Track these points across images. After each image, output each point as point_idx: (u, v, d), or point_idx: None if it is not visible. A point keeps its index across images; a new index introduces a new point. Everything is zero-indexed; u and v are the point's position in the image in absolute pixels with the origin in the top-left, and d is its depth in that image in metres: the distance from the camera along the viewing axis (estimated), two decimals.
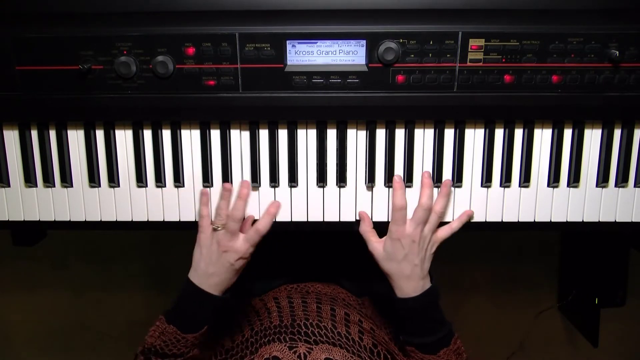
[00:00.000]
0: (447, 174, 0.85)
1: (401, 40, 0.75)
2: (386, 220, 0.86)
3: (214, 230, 0.81)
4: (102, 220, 0.87)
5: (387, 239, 0.82)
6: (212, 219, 0.83)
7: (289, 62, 0.77)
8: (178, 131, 0.84)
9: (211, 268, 0.80)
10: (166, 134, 0.85)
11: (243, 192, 0.82)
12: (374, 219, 0.87)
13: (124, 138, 0.85)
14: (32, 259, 1.86)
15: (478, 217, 0.86)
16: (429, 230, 0.82)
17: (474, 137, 0.84)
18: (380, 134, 0.84)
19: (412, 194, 0.85)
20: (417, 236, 0.80)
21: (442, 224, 0.85)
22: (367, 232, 0.85)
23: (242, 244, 0.80)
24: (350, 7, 0.77)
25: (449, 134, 0.84)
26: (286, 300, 0.93)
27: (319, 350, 0.76)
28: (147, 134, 0.85)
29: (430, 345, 0.83)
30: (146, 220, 0.87)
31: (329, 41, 0.76)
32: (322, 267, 1.06)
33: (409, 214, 0.82)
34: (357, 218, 0.87)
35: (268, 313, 0.90)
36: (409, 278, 0.81)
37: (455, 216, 0.86)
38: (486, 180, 0.85)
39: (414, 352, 0.84)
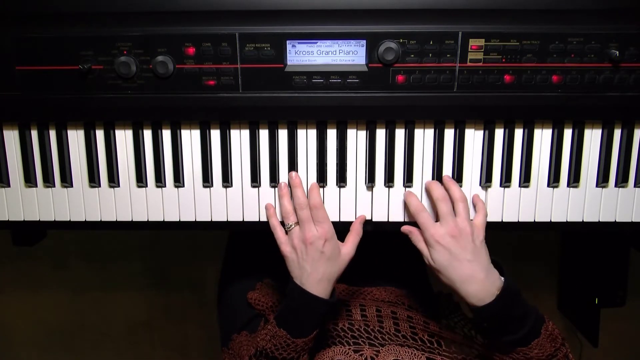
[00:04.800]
0: (447, 174, 0.85)
1: (401, 40, 0.75)
2: (386, 220, 0.86)
3: (289, 230, 0.81)
4: (102, 220, 0.87)
5: (429, 249, 0.79)
6: (284, 224, 0.83)
7: (289, 62, 0.77)
8: (178, 131, 0.84)
9: (307, 265, 0.79)
10: (166, 134, 0.85)
11: (296, 181, 0.83)
12: (374, 219, 0.87)
13: (124, 138, 0.85)
14: (32, 259, 1.86)
15: None
16: (463, 220, 0.78)
17: (474, 137, 0.84)
18: (380, 134, 0.84)
19: (412, 192, 0.84)
20: (453, 230, 0.77)
21: None
22: (419, 242, 0.81)
23: (318, 226, 0.80)
24: (350, 7, 0.77)
25: (449, 134, 0.84)
26: (341, 304, 0.92)
27: (386, 352, 0.75)
28: (147, 134, 0.85)
29: (518, 341, 0.75)
30: (146, 220, 0.87)
31: (329, 41, 0.76)
32: (373, 269, 1.04)
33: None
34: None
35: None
36: (471, 279, 0.75)
37: None
38: (486, 180, 0.85)
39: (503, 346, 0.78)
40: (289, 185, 0.84)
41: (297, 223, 0.81)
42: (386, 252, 1.06)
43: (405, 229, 0.84)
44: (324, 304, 0.79)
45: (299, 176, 0.84)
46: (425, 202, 0.85)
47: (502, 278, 0.77)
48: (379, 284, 1.00)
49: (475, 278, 0.75)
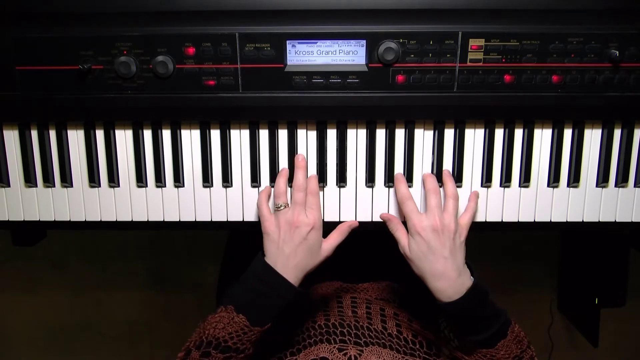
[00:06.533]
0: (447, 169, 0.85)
1: (401, 40, 0.75)
2: None
3: (277, 211, 0.79)
4: (102, 220, 0.87)
5: (409, 237, 0.79)
6: (273, 204, 0.82)
7: (289, 62, 0.77)
8: (178, 131, 0.84)
9: (286, 248, 0.76)
10: (166, 134, 0.85)
11: (301, 163, 0.82)
12: (373, 220, 0.87)
13: (124, 138, 0.85)
14: (32, 259, 1.86)
15: (478, 217, 0.86)
16: (450, 217, 0.77)
17: (474, 137, 0.84)
18: (380, 134, 0.84)
19: (412, 193, 0.84)
20: (436, 225, 0.76)
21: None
22: (397, 231, 0.81)
23: (309, 213, 0.79)
24: (350, 7, 0.77)
25: (449, 134, 0.84)
26: (335, 301, 0.91)
27: (369, 352, 0.74)
28: (147, 134, 0.85)
29: (485, 341, 0.77)
30: (146, 220, 0.87)
31: (329, 41, 0.76)
32: (370, 266, 1.03)
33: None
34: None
35: (314, 312, 0.87)
36: (442, 275, 0.75)
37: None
38: (486, 180, 0.85)
39: (470, 347, 0.80)
40: (290, 172, 0.84)
41: (287, 205, 0.80)
42: (383, 250, 1.06)
43: (383, 215, 0.84)
44: (293, 292, 0.76)
45: (305, 160, 0.83)
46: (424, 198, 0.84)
47: (473, 278, 0.78)
48: (374, 279, 1.00)
49: (447, 275, 0.75)
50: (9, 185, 0.86)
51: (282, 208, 0.79)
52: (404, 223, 0.82)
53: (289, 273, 0.76)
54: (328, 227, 0.86)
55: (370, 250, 1.06)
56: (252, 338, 0.73)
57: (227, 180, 0.85)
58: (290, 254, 0.76)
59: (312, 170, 0.85)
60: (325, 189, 0.86)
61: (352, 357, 0.72)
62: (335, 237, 0.82)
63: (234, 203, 0.86)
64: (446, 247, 0.76)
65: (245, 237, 1.14)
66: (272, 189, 0.85)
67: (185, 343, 0.77)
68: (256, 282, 0.75)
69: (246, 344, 0.73)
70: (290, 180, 0.84)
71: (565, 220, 0.86)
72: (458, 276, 0.75)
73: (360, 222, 0.86)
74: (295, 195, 0.80)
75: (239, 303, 0.74)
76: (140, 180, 0.85)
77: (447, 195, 0.81)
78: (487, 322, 0.77)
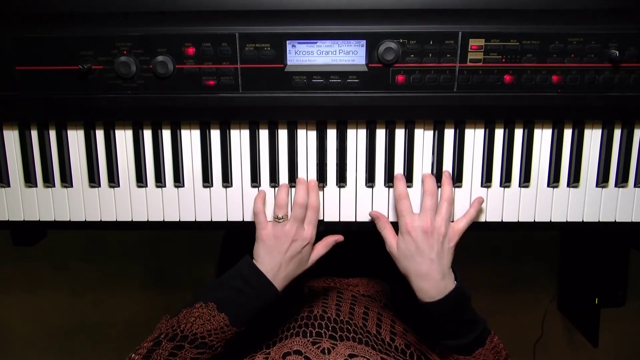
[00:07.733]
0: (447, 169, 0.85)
1: (401, 40, 0.75)
2: None
3: (277, 221, 0.80)
4: (102, 220, 0.87)
5: (399, 236, 0.80)
6: (273, 213, 0.82)
7: (289, 62, 0.77)
8: (178, 131, 0.84)
9: (279, 257, 0.78)
10: (166, 134, 0.85)
11: (301, 180, 0.83)
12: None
13: (124, 138, 0.85)
14: (32, 259, 1.86)
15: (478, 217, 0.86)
16: (442, 220, 0.78)
17: (474, 137, 0.84)
18: (380, 134, 0.84)
19: (412, 193, 0.84)
20: (427, 226, 0.77)
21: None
22: (384, 229, 0.82)
23: (307, 228, 0.80)
24: (350, 7, 0.77)
25: (449, 134, 0.84)
26: (321, 294, 0.91)
27: (343, 346, 0.74)
28: (147, 134, 0.85)
29: (463, 347, 0.78)
30: (146, 220, 0.87)
31: (329, 41, 0.76)
32: (361, 263, 1.04)
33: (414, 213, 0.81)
34: (369, 219, 0.86)
35: (298, 303, 0.87)
36: (427, 276, 0.76)
37: (456, 218, 0.86)
38: (486, 180, 0.85)
39: (447, 352, 0.81)
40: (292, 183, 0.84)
41: (287, 217, 0.80)
42: (377, 248, 1.06)
43: (372, 213, 0.85)
44: (277, 297, 0.77)
45: (305, 178, 0.85)
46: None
47: (456, 282, 0.78)
48: (365, 276, 1.00)
49: (431, 277, 0.76)
50: (9, 185, 0.86)
51: (282, 220, 0.80)
52: (394, 224, 0.82)
53: (277, 281, 0.77)
54: (327, 228, 0.87)
55: (364, 247, 1.06)
56: (227, 337, 0.74)
57: (227, 180, 0.85)
58: (282, 264, 0.78)
59: (312, 170, 0.85)
60: (325, 189, 0.86)
61: (325, 350, 0.72)
62: (321, 250, 0.83)
63: (234, 203, 0.86)
64: (434, 250, 0.77)
65: (240, 237, 1.14)
66: (268, 194, 0.85)
67: (152, 333, 0.76)
68: (242, 284, 0.76)
69: (221, 343, 0.74)
70: (292, 179, 0.85)
71: (565, 220, 0.86)
72: (442, 279, 0.76)
73: (359, 222, 0.87)
74: (295, 210, 0.80)
75: (221, 301, 0.74)
76: (140, 180, 0.85)
77: (443, 198, 0.81)
78: (466, 327, 0.78)
